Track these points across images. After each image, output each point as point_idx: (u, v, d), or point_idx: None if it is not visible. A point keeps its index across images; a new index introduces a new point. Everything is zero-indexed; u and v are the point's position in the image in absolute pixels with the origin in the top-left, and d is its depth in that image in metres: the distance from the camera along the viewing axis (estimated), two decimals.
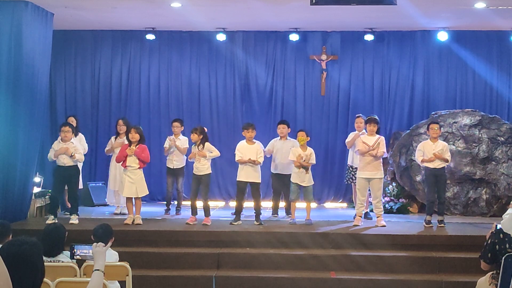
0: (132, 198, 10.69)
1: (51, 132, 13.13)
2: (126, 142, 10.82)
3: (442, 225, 10.61)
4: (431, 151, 10.70)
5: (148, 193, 11.06)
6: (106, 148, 12.12)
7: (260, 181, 10.95)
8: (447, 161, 10.77)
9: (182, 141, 11.78)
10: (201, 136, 10.80)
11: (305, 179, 10.76)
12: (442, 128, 11.52)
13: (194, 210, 10.81)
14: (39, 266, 3.42)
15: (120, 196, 11.68)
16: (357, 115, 11.84)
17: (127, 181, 10.60)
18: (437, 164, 10.67)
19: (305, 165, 10.69)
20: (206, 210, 10.80)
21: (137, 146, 10.58)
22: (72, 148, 10.63)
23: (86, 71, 14.05)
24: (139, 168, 10.62)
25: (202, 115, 13.97)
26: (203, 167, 10.79)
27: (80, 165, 11.05)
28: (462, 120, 12.71)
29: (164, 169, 12.41)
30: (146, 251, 9.60)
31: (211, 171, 10.99)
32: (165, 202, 12.19)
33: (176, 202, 12.11)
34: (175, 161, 11.84)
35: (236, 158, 10.91)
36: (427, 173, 10.82)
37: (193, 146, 10.90)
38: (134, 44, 14.00)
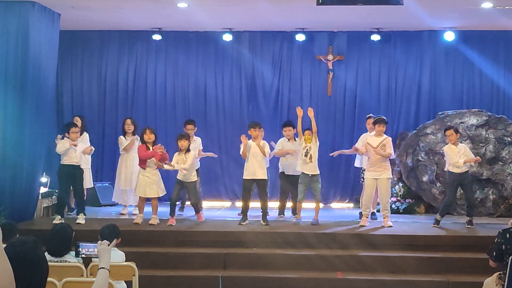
0: (145, 198, 10.76)
1: (58, 132, 13.10)
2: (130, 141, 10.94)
3: (470, 225, 10.60)
4: (456, 153, 10.64)
5: (166, 193, 11.15)
6: (123, 147, 12.00)
7: (266, 178, 10.93)
8: (478, 160, 11.06)
9: (197, 142, 11.77)
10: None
11: (310, 168, 10.77)
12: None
13: (173, 212, 10.82)
14: (43, 264, 3.43)
15: (128, 196, 11.72)
16: (367, 116, 11.78)
17: (146, 182, 10.65)
18: (463, 169, 10.63)
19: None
20: (195, 205, 10.90)
21: (154, 148, 10.64)
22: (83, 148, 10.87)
23: (93, 71, 14.08)
24: (156, 168, 10.68)
25: (209, 115, 13.98)
26: (189, 175, 10.84)
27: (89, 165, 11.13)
28: (469, 120, 12.67)
29: (170, 171, 12.43)
30: (153, 251, 9.62)
31: (197, 179, 11.10)
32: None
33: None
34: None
35: (240, 151, 10.94)
36: (452, 178, 10.72)
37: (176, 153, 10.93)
38: (141, 45, 14.02)
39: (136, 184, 10.90)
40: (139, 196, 10.84)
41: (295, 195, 11.29)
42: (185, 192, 11.60)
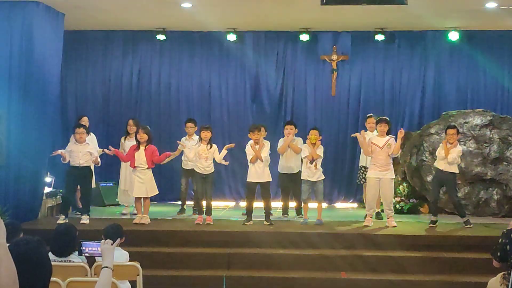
0: (141, 197, 10.72)
1: (62, 132, 13.15)
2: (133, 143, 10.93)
3: (468, 225, 10.52)
4: (446, 150, 10.53)
5: (158, 192, 11.07)
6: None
7: (270, 180, 10.90)
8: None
9: (196, 141, 11.76)
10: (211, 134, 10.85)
11: (315, 174, 10.76)
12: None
13: (201, 210, 10.84)
14: (47, 264, 3.43)
15: (130, 196, 11.72)
16: (368, 115, 11.80)
17: (136, 181, 10.64)
18: (444, 167, 10.50)
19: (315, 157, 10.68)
20: (210, 209, 10.82)
21: (146, 147, 10.61)
22: (93, 154, 10.71)
23: (97, 71, 14.09)
24: (148, 168, 10.65)
25: (213, 115, 13.97)
26: (210, 167, 10.82)
27: (92, 165, 11.10)
28: (473, 120, 12.65)
29: (175, 169, 12.43)
30: (157, 251, 9.63)
31: (213, 170, 11.00)
32: (180, 202, 12.19)
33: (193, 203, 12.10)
34: (190, 162, 11.82)
35: (249, 158, 10.88)
36: (435, 174, 10.77)
37: (198, 145, 10.87)
38: (145, 45, 14.03)
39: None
40: (135, 197, 10.85)
41: (296, 193, 11.30)
42: None
